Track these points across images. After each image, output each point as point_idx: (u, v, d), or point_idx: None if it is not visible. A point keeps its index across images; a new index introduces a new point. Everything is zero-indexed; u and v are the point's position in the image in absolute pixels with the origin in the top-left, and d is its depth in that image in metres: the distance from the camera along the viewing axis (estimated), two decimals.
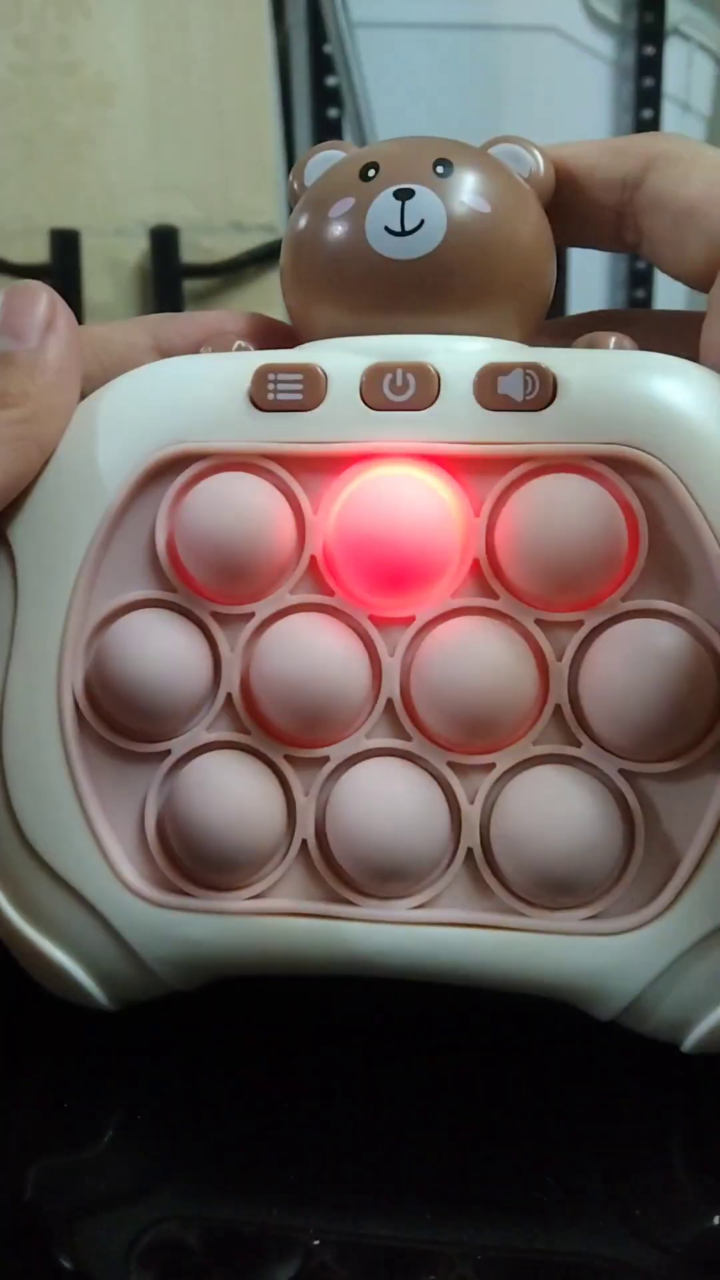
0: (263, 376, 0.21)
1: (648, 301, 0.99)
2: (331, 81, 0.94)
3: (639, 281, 1.02)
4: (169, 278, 0.92)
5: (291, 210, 0.23)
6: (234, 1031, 0.24)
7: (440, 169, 0.21)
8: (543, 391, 0.20)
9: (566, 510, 0.20)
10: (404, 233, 0.21)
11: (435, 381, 0.21)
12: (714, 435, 0.20)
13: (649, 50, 1.01)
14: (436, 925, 0.21)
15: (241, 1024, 0.24)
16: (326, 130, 0.96)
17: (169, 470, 0.21)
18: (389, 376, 0.21)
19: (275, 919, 0.21)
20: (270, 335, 0.24)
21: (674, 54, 1.03)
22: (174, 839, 0.21)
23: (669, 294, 1.02)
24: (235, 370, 0.21)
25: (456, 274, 0.21)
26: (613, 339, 0.22)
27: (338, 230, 0.21)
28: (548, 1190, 0.20)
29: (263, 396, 0.21)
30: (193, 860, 0.21)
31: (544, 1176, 0.20)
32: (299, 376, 0.21)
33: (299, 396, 0.21)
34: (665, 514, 0.20)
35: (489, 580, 0.21)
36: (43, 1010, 0.23)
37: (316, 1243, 0.19)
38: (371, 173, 0.22)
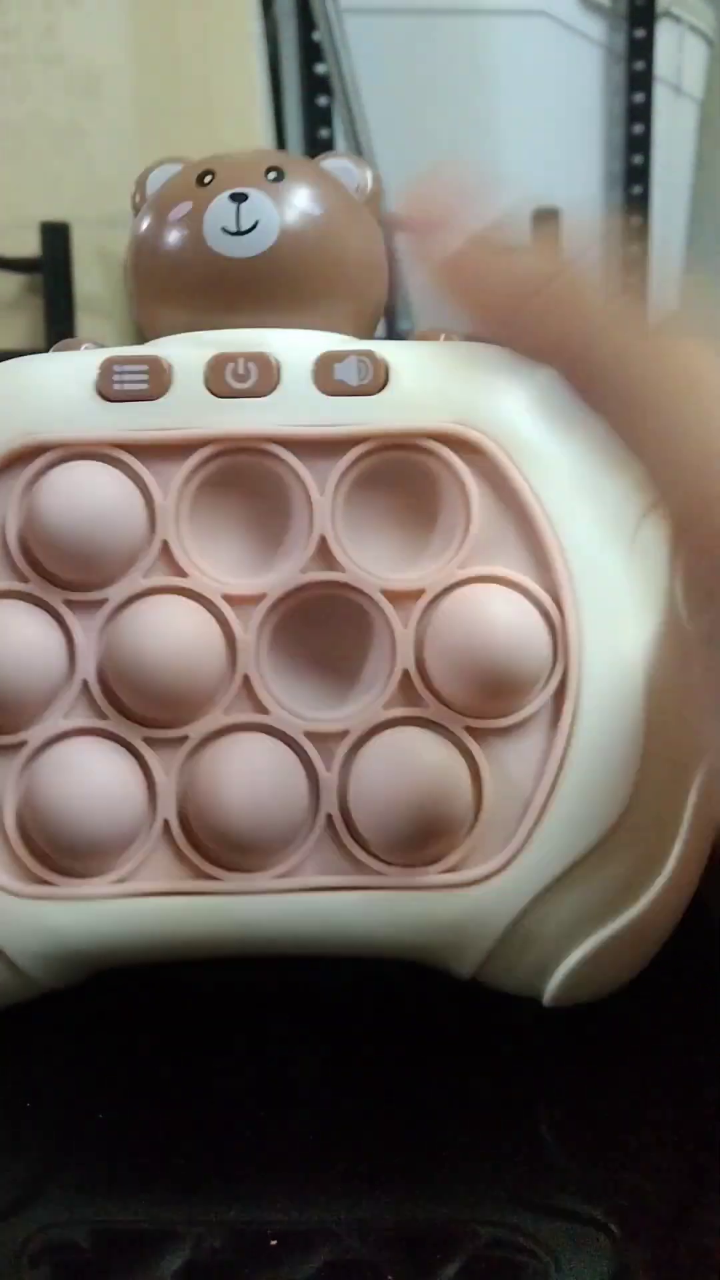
0: (108, 368, 0.22)
1: None
2: (321, 69, 0.93)
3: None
4: None
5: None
6: (96, 1031, 0.24)
7: (272, 175, 0.23)
8: (376, 376, 0.22)
9: (401, 486, 0.21)
10: (240, 232, 0.22)
11: (275, 369, 0.22)
12: (536, 414, 0.22)
13: (640, 33, 1.00)
14: (300, 891, 0.22)
15: (103, 1024, 0.24)
16: (316, 118, 0.95)
17: (18, 462, 0.22)
18: (231, 365, 0.22)
19: (141, 900, 0.22)
20: None
21: (665, 36, 1.02)
22: (35, 828, 0.22)
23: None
24: (82, 365, 0.22)
25: (291, 271, 0.23)
26: (441, 334, 0.23)
27: (177, 232, 0.23)
28: (419, 1158, 0.20)
29: (109, 387, 0.22)
30: (55, 847, 0.22)
31: (414, 1145, 0.21)
32: (144, 367, 0.22)
33: (144, 386, 0.22)
34: (493, 486, 0.22)
35: (334, 554, 0.22)
36: None
37: (202, 1230, 0.19)
38: (208, 179, 0.23)
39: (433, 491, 0.22)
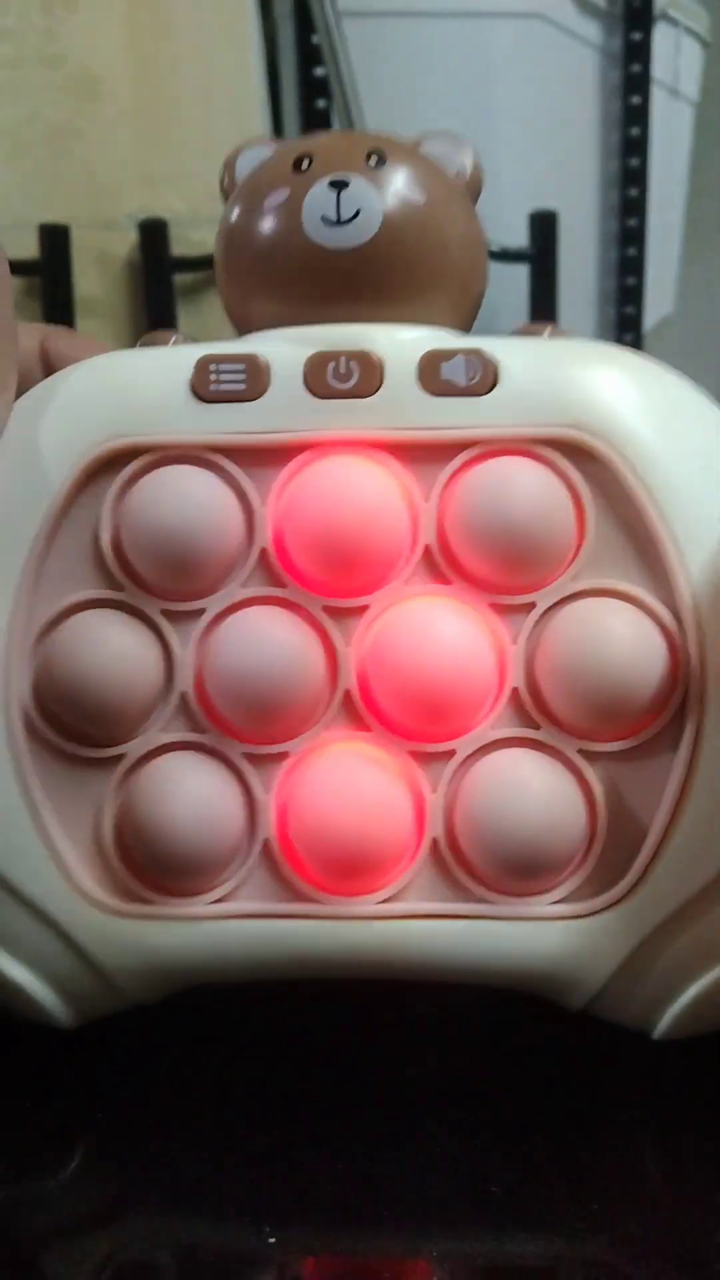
0: (204, 367, 0.21)
1: (637, 317, 0.98)
2: (319, 72, 0.93)
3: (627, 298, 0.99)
4: (159, 271, 0.91)
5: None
6: (194, 1048, 0.23)
7: (373, 160, 0.22)
8: (485, 376, 0.21)
9: (516, 492, 0.20)
10: (340, 222, 0.21)
11: (379, 368, 0.21)
12: (654, 418, 0.21)
13: (636, 35, 1.00)
14: (405, 918, 0.21)
15: (200, 1040, 0.24)
16: (315, 121, 0.95)
17: (111, 466, 0.21)
18: (332, 364, 0.21)
19: (239, 922, 0.21)
20: None
21: (661, 39, 1.02)
22: (132, 845, 0.21)
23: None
24: (175, 362, 0.21)
25: (393, 262, 0.21)
26: (547, 329, 0.22)
27: (273, 221, 0.22)
28: (517, 1192, 0.19)
29: (204, 387, 0.21)
30: (152, 866, 0.21)
31: (512, 1178, 0.20)
32: (241, 366, 0.21)
33: (241, 386, 0.21)
34: (610, 495, 0.21)
35: (440, 565, 0.21)
36: None
37: (284, 1257, 0.18)
38: (305, 164, 0.22)
39: (545, 497, 0.21)
